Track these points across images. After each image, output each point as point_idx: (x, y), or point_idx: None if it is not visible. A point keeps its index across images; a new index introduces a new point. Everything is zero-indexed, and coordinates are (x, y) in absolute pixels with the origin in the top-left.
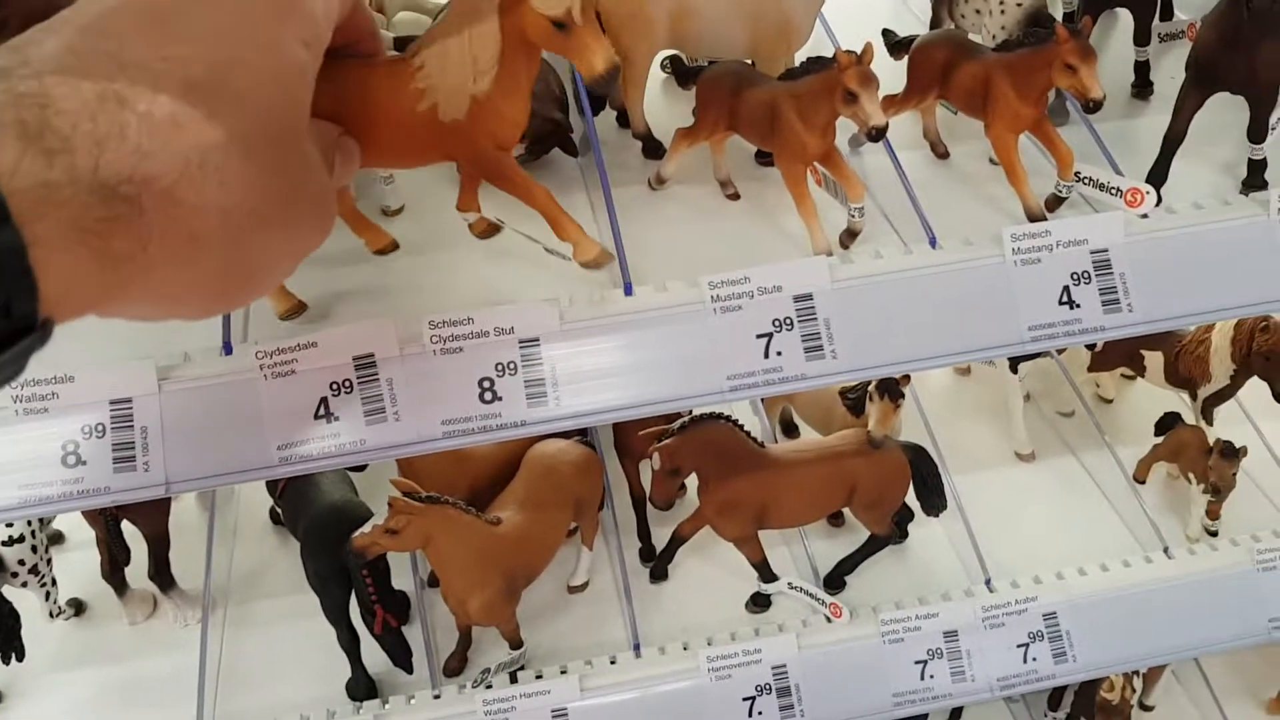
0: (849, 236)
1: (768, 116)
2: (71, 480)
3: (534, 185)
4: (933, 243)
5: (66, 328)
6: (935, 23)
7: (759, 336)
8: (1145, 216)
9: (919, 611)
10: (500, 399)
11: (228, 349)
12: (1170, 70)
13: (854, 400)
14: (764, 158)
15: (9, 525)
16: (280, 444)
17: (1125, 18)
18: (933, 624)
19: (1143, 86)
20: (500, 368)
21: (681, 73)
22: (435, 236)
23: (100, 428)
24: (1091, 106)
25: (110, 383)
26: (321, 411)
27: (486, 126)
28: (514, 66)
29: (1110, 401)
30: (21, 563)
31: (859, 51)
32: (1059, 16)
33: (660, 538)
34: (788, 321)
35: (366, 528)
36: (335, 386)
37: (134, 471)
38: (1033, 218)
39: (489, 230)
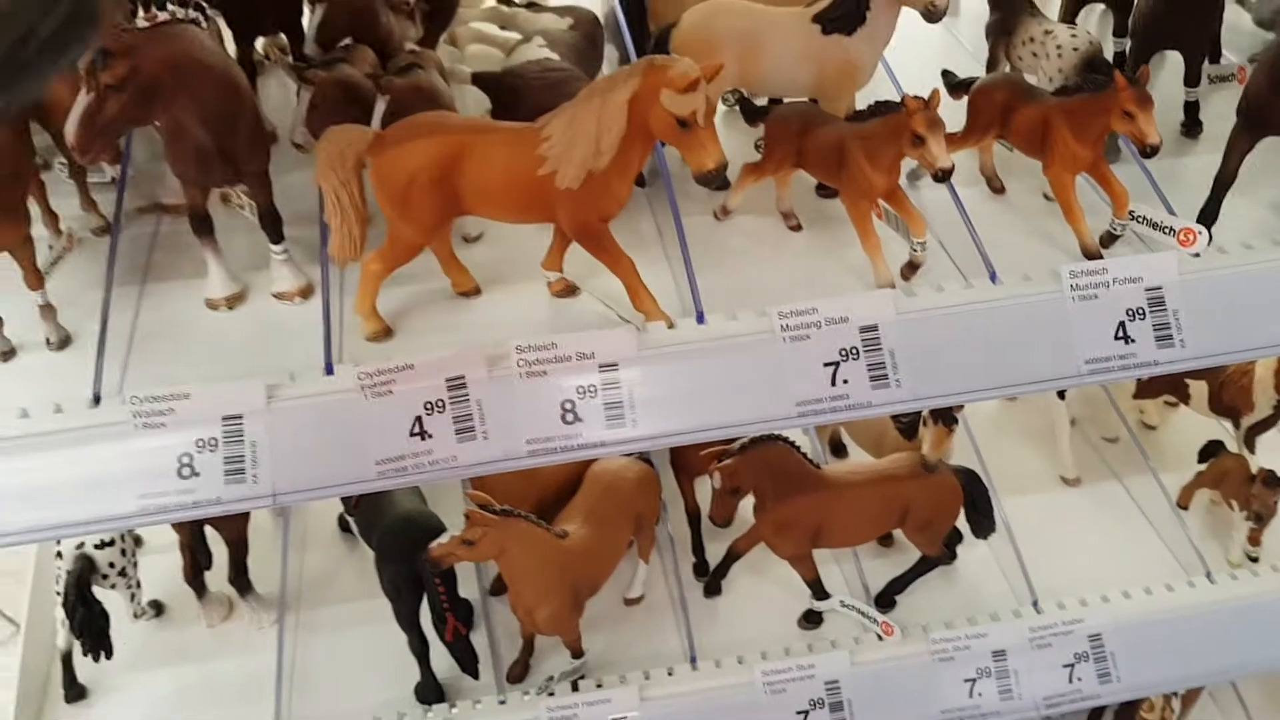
0: (910, 269)
1: (836, 155)
2: (185, 490)
3: (622, 255)
4: (993, 278)
5: (176, 347)
6: (992, 63)
7: (826, 365)
8: (1197, 255)
9: (968, 631)
10: (581, 420)
11: (329, 369)
12: (1219, 111)
13: (906, 424)
14: (824, 190)
15: None
16: (379, 459)
17: (1175, 59)
18: (982, 643)
19: (1192, 126)
20: (581, 390)
21: (749, 111)
22: (511, 264)
23: (213, 442)
24: (1149, 151)
25: (223, 400)
26: (416, 429)
27: (595, 199)
28: (631, 151)
29: (1154, 428)
30: (112, 565)
31: (926, 97)
32: (1109, 57)
33: (713, 554)
34: (854, 351)
35: (444, 538)
36: (429, 406)
37: (243, 483)
38: (1089, 255)
39: (567, 291)
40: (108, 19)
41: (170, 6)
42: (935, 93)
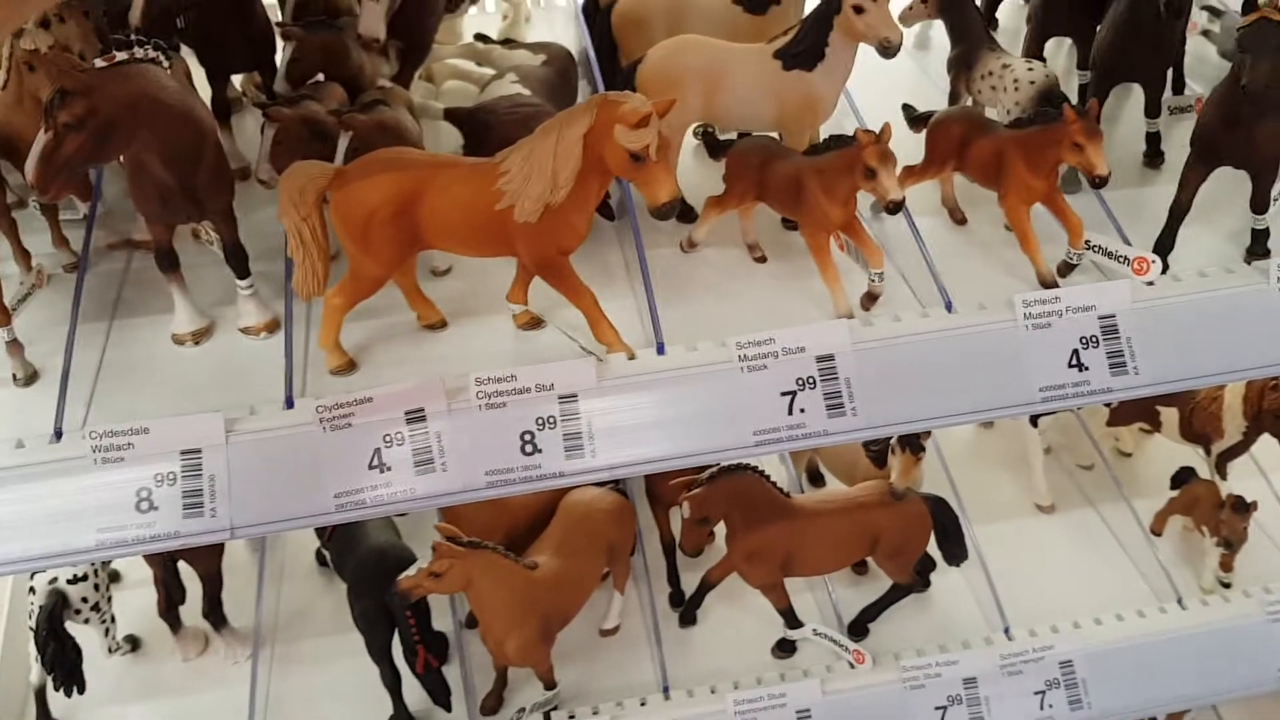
0: (869, 299)
1: (793, 188)
2: (144, 524)
3: (583, 288)
4: (948, 307)
5: (142, 382)
6: (954, 97)
7: (783, 394)
8: (1151, 284)
9: (940, 659)
10: (540, 451)
11: (289, 403)
12: (1181, 141)
13: (877, 453)
14: (789, 223)
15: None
16: (337, 492)
17: (1138, 90)
18: (953, 671)
19: (1154, 156)
20: (540, 421)
21: (712, 145)
22: (479, 297)
23: (172, 476)
24: (1098, 182)
25: (181, 434)
26: (375, 461)
27: (553, 232)
28: (587, 185)
29: (1128, 455)
30: (85, 600)
31: (878, 131)
32: (1074, 90)
33: (689, 584)
34: (811, 380)
35: (411, 570)
36: (388, 438)
37: (201, 517)
38: (1045, 284)
39: (532, 324)
40: None
41: (136, 49)
42: (886, 126)
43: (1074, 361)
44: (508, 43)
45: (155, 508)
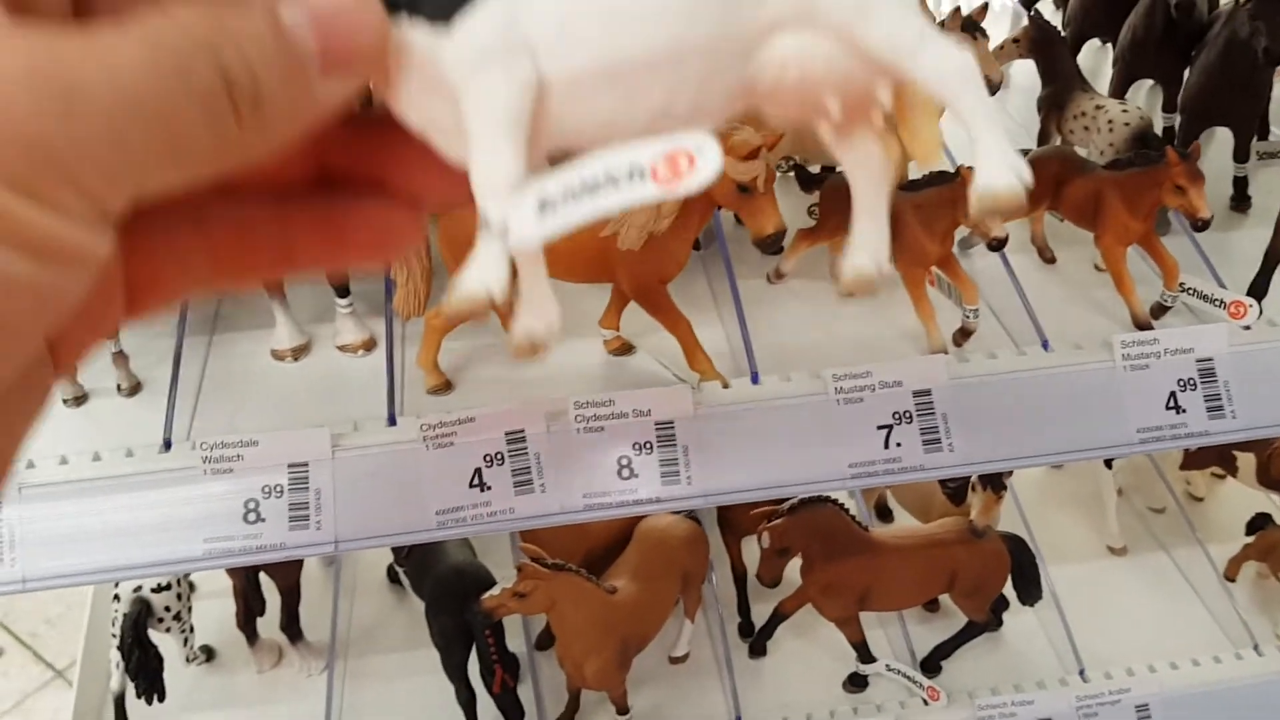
0: (963, 336)
1: (891, 223)
2: (251, 535)
3: (679, 315)
4: (1045, 345)
5: (242, 396)
6: (1043, 136)
7: (879, 428)
8: (1248, 328)
9: (1015, 698)
10: (637, 476)
11: (392, 420)
12: (1268, 185)
13: (954, 490)
14: None
15: None
16: (439, 509)
17: (1223, 135)
18: (1028, 711)
19: (1241, 200)
20: (638, 447)
21: (805, 178)
22: (568, 319)
23: (279, 488)
24: (1200, 225)
25: (290, 448)
26: (476, 480)
27: (655, 260)
28: (691, 214)
29: (1201, 500)
30: (168, 609)
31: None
32: (1158, 133)
33: (758, 615)
34: (907, 415)
35: (496, 590)
36: (489, 458)
37: (307, 530)
38: (1140, 325)
39: (623, 349)
40: None
41: None
42: None
43: (1171, 404)
44: None
45: (262, 519)
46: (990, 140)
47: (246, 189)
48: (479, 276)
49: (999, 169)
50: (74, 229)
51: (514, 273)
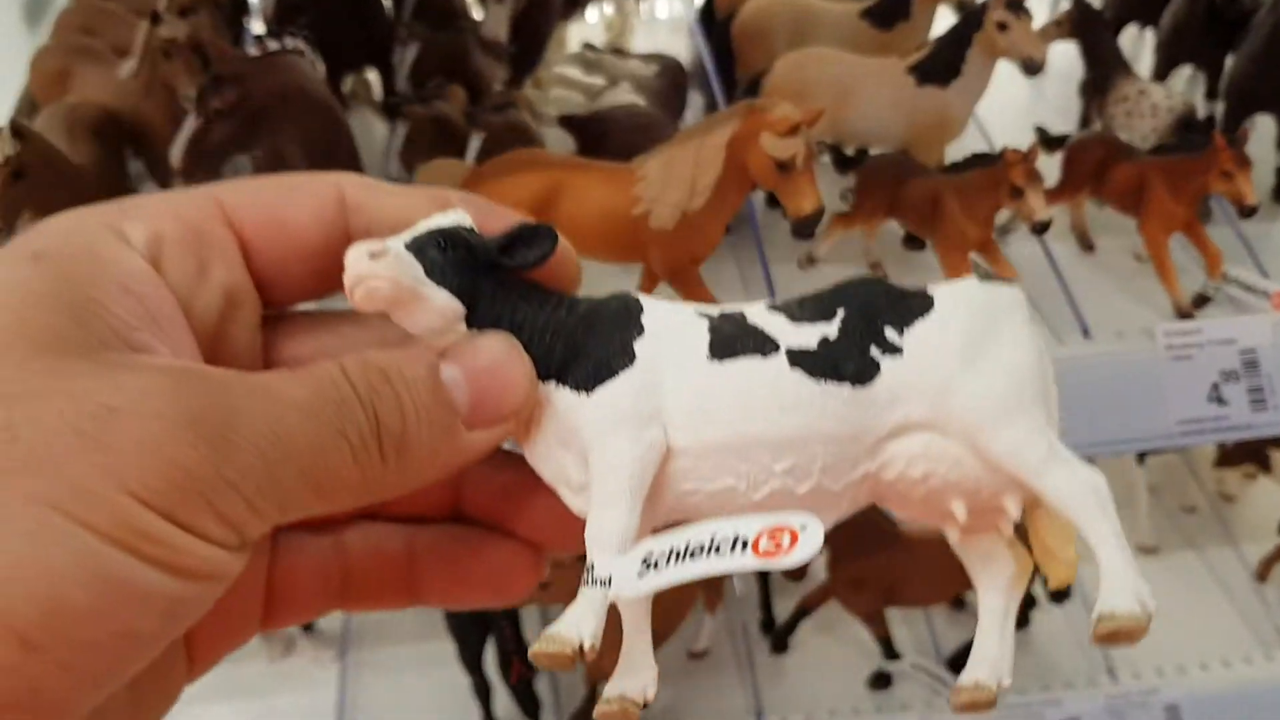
0: None
1: (930, 206)
2: None
3: (711, 298)
4: (1085, 333)
5: None
6: (1085, 120)
7: None
8: None
9: (1042, 698)
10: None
11: None
12: None
13: None
14: (911, 243)
15: None
16: None
17: (1266, 122)
18: (1055, 711)
19: None
20: None
21: (841, 160)
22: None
23: None
24: (1247, 211)
25: None
26: None
27: (688, 240)
28: (726, 193)
29: (1233, 499)
30: None
31: (1025, 150)
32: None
33: (780, 610)
34: None
35: None
36: None
37: None
38: (1182, 315)
39: None
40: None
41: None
42: (1034, 146)
43: (1214, 395)
44: (618, 52)
45: None
46: (1117, 562)
47: (384, 515)
48: (574, 624)
49: (1123, 593)
50: (211, 550)
51: (611, 627)
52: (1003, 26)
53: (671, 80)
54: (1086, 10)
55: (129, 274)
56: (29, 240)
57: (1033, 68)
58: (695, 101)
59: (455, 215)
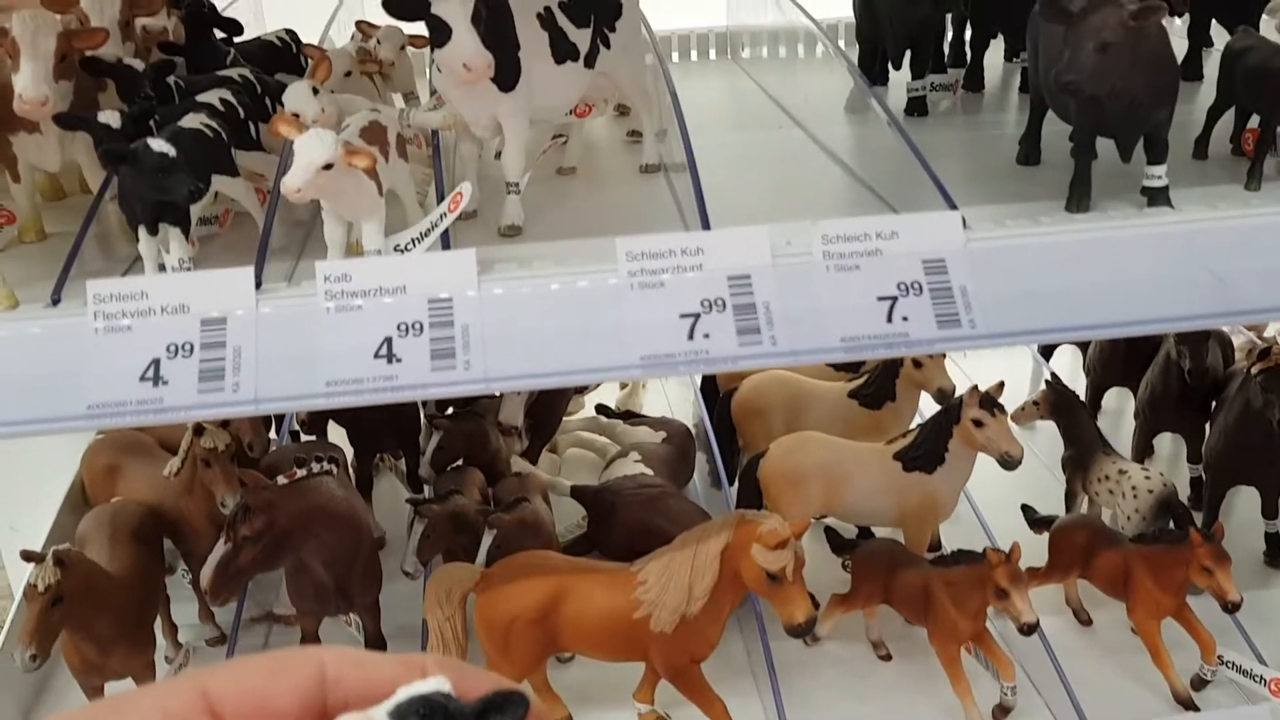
0: (1001, 712)
1: (922, 598)
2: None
3: (713, 696)
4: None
5: None
6: (1070, 496)
7: None
8: None
9: None
10: None
11: None
12: None
13: None
14: None
15: None
16: None
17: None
18: None
19: (1274, 557)
20: None
21: (836, 544)
22: (601, 687)
23: None
24: (1229, 608)
25: None
26: None
27: (687, 642)
28: (722, 598)
29: None
30: None
31: (1007, 550)
32: (1185, 482)
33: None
34: None
35: None
36: None
37: None
38: (1181, 702)
39: None
40: None
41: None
42: (1016, 547)
43: None
44: (628, 415)
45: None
46: None
47: None
48: None
49: None
50: None
51: None
52: (978, 424)
53: (678, 446)
54: (1061, 392)
55: None
56: None
57: (1010, 464)
58: (702, 464)
59: (434, 681)
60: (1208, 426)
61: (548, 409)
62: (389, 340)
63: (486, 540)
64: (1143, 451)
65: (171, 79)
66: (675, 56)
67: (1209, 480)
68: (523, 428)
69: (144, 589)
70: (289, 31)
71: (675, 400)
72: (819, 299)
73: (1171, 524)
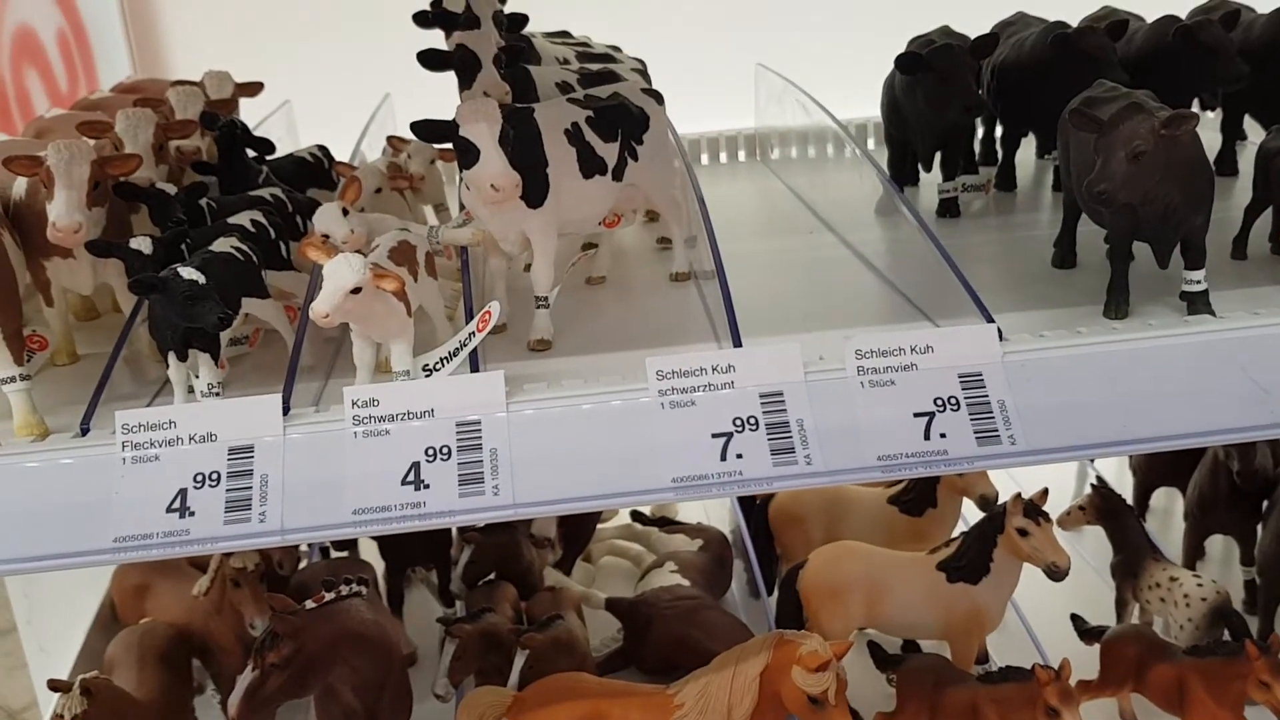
0: None
1: (970, 717)
2: None
3: None
4: None
5: None
6: (1120, 603)
7: None
8: None
9: None
10: None
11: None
12: None
13: None
14: None
15: None
16: None
17: None
18: None
19: None
20: None
21: (880, 659)
22: None
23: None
24: None
25: None
26: None
27: None
28: None
29: None
30: None
31: (1057, 667)
32: (1238, 585)
33: None
34: None
35: None
36: None
37: None
38: None
39: None
40: None
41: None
42: (1065, 664)
43: None
44: (664, 522)
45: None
46: None
47: None
48: None
49: None
50: None
51: None
52: (1023, 533)
53: (714, 555)
54: (1108, 497)
55: None
56: None
57: (1057, 575)
58: (739, 570)
59: None
60: (1259, 528)
61: (581, 518)
62: (416, 465)
63: (519, 661)
64: (1193, 555)
65: (204, 200)
66: (705, 159)
67: (1263, 584)
68: (556, 538)
69: (171, 714)
70: (320, 147)
71: (711, 506)
72: (854, 416)
73: (1227, 633)
